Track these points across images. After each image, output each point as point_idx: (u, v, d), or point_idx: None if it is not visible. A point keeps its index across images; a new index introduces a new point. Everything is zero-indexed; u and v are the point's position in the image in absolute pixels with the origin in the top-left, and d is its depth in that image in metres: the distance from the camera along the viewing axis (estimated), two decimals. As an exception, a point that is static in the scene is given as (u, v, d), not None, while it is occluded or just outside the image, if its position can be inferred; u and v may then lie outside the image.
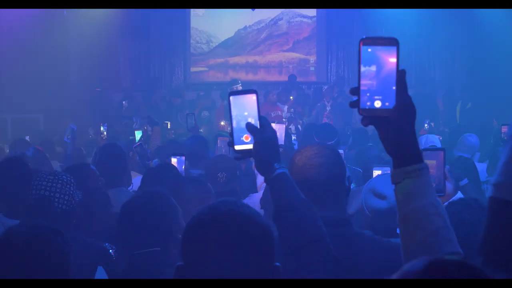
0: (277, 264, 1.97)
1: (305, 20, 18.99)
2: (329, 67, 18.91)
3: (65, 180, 4.12)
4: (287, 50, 19.07)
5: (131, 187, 5.86)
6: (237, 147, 2.41)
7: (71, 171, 4.83)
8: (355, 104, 1.97)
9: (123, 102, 14.73)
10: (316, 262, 2.29)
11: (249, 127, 2.36)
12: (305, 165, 2.87)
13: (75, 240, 3.46)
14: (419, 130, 11.53)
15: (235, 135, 2.40)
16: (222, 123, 11.98)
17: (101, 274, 3.60)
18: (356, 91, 1.96)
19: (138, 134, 10.16)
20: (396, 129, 1.94)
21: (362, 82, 1.96)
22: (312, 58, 19.04)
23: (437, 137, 8.23)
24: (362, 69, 1.96)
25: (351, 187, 5.14)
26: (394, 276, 1.27)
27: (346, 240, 2.74)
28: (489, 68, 15.36)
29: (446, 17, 16.39)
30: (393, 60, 1.96)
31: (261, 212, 4.59)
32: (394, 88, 1.94)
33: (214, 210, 1.98)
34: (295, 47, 19.06)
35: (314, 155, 2.91)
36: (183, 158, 5.76)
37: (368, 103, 1.95)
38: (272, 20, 18.90)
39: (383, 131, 1.97)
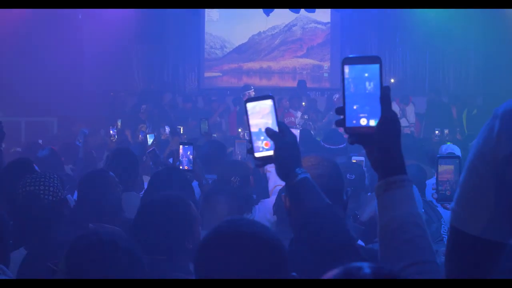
0: (293, 274, 1.98)
1: (319, 26, 18.98)
2: (342, 74, 18.84)
3: (47, 175, 4.25)
4: (301, 56, 19.07)
5: (143, 191, 5.84)
6: (257, 155, 2.36)
7: (90, 178, 4.86)
8: (341, 123, 2.01)
9: (142, 106, 14.77)
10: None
11: (269, 133, 2.31)
12: None
13: (67, 234, 3.47)
14: (431, 138, 11.49)
15: (254, 142, 2.35)
16: (240, 130, 11.98)
17: None
18: (341, 110, 2.01)
19: (150, 138, 10.18)
20: (381, 145, 1.99)
21: (347, 100, 2.00)
22: (326, 64, 19.01)
23: (456, 146, 8.18)
24: (346, 88, 2.00)
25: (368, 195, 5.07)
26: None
27: None
28: (502, 74, 15.27)
29: (460, 23, 16.29)
30: (376, 77, 1.99)
31: (274, 218, 4.56)
32: (378, 105, 1.97)
33: (218, 233, 2.01)
34: (309, 53, 19.05)
35: (313, 167, 2.93)
36: (191, 146, 5.70)
37: (354, 121, 2.00)
38: (286, 26, 18.91)
39: (369, 148, 2.03)
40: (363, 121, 1.99)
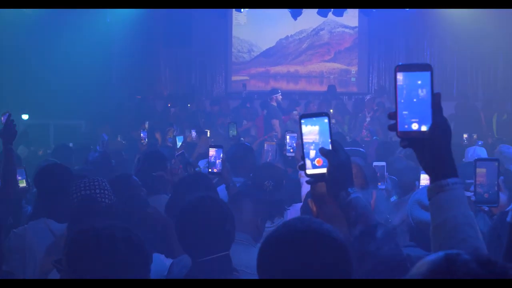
0: None
1: (347, 30, 18.93)
2: (370, 78, 18.84)
3: (99, 180, 4.31)
4: (329, 61, 19.02)
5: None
6: (309, 171, 2.36)
7: (115, 181, 4.89)
8: (393, 128, 2.08)
9: (172, 109, 14.83)
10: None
11: (323, 152, 2.32)
12: None
13: None
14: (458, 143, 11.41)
15: (306, 159, 2.36)
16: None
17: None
18: (394, 115, 2.08)
19: (179, 141, 10.21)
20: (432, 150, 2.06)
21: (399, 106, 2.07)
22: (354, 69, 18.96)
23: (484, 149, 8.14)
24: (399, 94, 2.07)
25: (392, 199, 5.05)
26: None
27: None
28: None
29: (488, 26, 16.14)
30: (428, 84, 2.05)
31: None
32: (429, 110, 2.04)
33: (291, 228, 2.02)
34: (337, 58, 19.01)
35: None
36: (220, 149, 5.69)
37: (406, 126, 2.06)
38: (313, 30, 18.88)
39: (420, 152, 2.10)
40: (415, 126, 2.05)
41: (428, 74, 2.06)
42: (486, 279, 1.22)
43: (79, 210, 4.03)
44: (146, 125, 11.99)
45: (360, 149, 7.54)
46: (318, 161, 2.35)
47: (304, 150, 2.36)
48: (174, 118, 14.21)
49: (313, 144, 2.35)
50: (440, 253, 1.30)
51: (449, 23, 16.61)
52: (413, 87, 2.06)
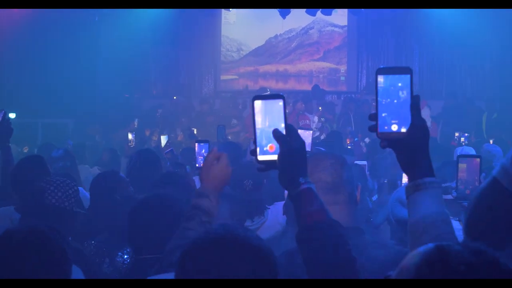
0: None
1: (336, 29, 18.95)
2: (359, 77, 18.86)
3: (67, 182, 4.16)
4: (318, 60, 19.05)
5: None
6: (260, 158, 2.22)
7: (102, 178, 4.87)
8: (373, 129, 2.13)
9: (158, 110, 14.83)
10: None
11: (276, 136, 2.18)
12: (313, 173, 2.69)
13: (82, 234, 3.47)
14: (449, 142, 11.43)
15: (258, 144, 2.22)
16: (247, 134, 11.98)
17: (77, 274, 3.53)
18: (374, 116, 2.13)
19: (164, 139, 10.19)
20: (410, 151, 2.12)
21: (380, 108, 2.12)
22: (343, 68, 18.99)
23: (472, 148, 8.17)
24: (380, 96, 2.12)
25: (374, 199, 5.05)
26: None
27: (356, 251, 2.66)
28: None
29: (477, 27, 16.14)
30: (407, 87, 2.11)
31: (281, 218, 4.54)
32: (408, 112, 2.10)
33: (210, 233, 1.93)
34: (326, 57, 19.03)
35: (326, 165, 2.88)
36: (207, 144, 5.66)
37: (386, 127, 2.12)
38: (303, 29, 18.89)
39: (399, 152, 2.15)
40: (394, 127, 2.11)
41: (408, 77, 2.11)
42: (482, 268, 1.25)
43: (26, 200, 4.07)
44: (136, 123, 11.96)
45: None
46: (271, 146, 2.21)
47: (256, 135, 2.22)
48: (161, 119, 14.21)
49: (266, 129, 2.21)
50: (430, 245, 1.32)
51: (437, 22, 16.62)
52: (393, 90, 2.11)
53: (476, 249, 1.28)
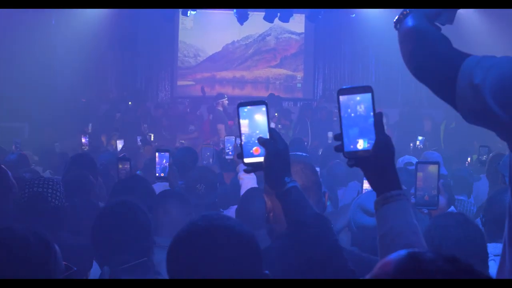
0: (266, 272, 1.97)
1: (293, 36, 19.04)
2: (315, 84, 18.98)
3: (55, 180, 4.28)
4: (275, 66, 19.10)
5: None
6: (246, 160, 2.37)
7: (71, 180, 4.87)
8: (339, 148, 2.18)
9: (117, 114, 14.74)
10: (333, 277, 2.25)
11: (261, 141, 2.33)
12: None
13: (63, 239, 3.43)
14: (404, 148, 11.52)
15: (244, 147, 2.37)
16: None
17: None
18: (339, 136, 2.18)
19: (120, 144, 10.14)
20: (377, 167, 2.16)
21: (344, 128, 2.17)
22: (299, 75, 19.08)
23: (413, 157, 8.26)
24: (343, 116, 2.17)
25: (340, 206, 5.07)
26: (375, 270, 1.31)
27: None
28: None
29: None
30: (369, 105, 2.16)
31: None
32: (372, 130, 2.14)
33: (193, 226, 1.98)
34: (283, 63, 19.10)
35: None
36: (167, 154, 5.69)
37: (351, 146, 2.16)
38: (260, 35, 18.94)
39: (366, 169, 2.20)
40: (360, 146, 2.15)
41: (369, 95, 2.16)
42: (459, 279, 1.22)
43: (26, 206, 4.01)
44: (90, 128, 11.87)
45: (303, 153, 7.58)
46: (256, 149, 2.36)
47: (242, 139, 2.36)
48: (119, 123, 14.12)
49: (251, 133, 2.36)
50: (402, 252, 1.29)
51: (394, 30, 16.78)
52: (355, 109, 2.16)
53: (451, 258, 1.26)
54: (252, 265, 1.95)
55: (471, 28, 15.61)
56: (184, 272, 1.91)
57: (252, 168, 2.38)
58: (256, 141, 2.35)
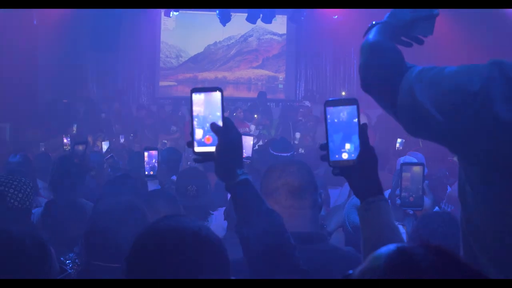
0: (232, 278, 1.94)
1: (275, 37, 19.07)
2: (297, 85, 19.02)
3: (23, 180, 4.14)
4: (257, 67, 19.13)
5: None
6: (197, 149, 2.25)
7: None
8: (325, 158, 2.28)
9: (102, 114, 14.69)
10: (282, 274, 2.18)
11: (214, 128, 2.21)
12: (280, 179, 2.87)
13: None
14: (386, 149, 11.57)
15: (196, 136, 2.24)
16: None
17: None
18: (325, 146, 2.27)
19: (105, 145, 10.10)
20: (361, 176, 2.26)
21: (330, 138, 2.26)
22: (281, 76, 19.12)
23: (413, 157, 8.30)
24: (329, 127, 2.26)
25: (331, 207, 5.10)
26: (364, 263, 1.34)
27: (323, 256, 2.72)
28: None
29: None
30: (355, 116, 2.25)
31: (225, 223, 4.58)
32: (357, 140, 2.24)
33: (153, 228, 1.95)
34: (265, 64, 19.13)
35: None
36: (156, 152, 5.72)
37: (336, 156, 2.26)
38: (242, 36, 18.96)
39: (350, 178, 2.29)
40: (345, 155, 2.25)
41: (354, 107, 2.25)
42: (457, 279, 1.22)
43: None
44: (74, 129, 11.81)
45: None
46: (208, 138, 2.24)
47: (193, 126, 2.25)
48: (104, 123, 14.08)
49: (203, 121, 2.24)
50: (391, 246, 1.30)
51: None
52: (341, 120, 2.25)
53: (440, 250, 1.27)
54: (217, 266, 1.91)
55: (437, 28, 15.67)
56: (144, 274, 1.86)
57: (203, 158, 2.26)
58: (208, 130, 2.24)
